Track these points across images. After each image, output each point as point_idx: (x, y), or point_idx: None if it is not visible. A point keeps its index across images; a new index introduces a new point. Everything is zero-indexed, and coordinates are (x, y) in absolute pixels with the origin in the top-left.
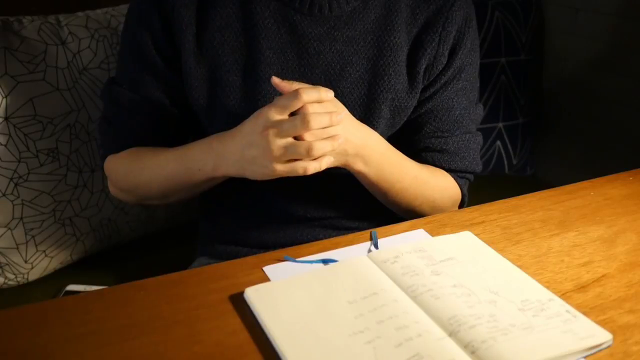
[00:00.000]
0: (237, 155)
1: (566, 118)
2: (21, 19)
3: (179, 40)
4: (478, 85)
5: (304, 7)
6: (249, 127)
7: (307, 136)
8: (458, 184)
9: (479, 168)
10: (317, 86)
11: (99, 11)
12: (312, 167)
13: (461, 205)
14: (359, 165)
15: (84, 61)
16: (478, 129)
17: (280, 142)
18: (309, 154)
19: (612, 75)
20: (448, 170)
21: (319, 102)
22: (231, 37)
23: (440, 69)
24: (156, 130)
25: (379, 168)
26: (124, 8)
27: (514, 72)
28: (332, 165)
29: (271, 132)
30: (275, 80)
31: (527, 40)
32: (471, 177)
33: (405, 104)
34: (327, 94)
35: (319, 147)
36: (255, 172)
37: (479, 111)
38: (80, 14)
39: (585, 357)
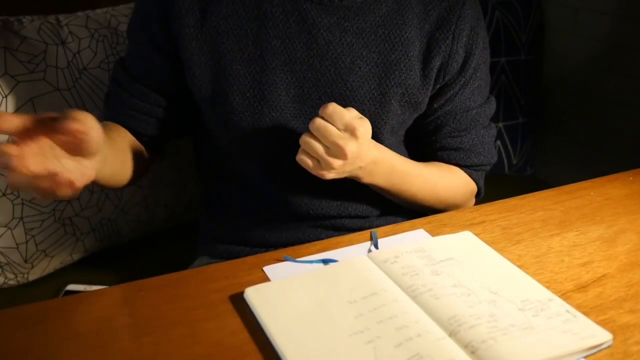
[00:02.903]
0: None
1: (566, 118)
2: (21, 18)
3: (177, 26)
4: (490, 79)
5: None
6: None
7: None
8: (473, 178)
9: (494, 159)
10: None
11: (99, 11)
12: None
13: (477, 196)
14: (367, 179)
15: (84, 61)
16: None
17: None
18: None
19: (612, 75)
20: (464, 166)
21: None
22: (237, 25)
23: (456, 67)
24: (141, 113)
25: (387, 179)
26: (124, 8)
27: (514, 72)
28: (339, 177)
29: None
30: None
31: (527, 40)
32: (487, 168)
33: (416, 99)
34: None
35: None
36: None
37: (492, 105)
38: (80, 13)
39: (585, 357)
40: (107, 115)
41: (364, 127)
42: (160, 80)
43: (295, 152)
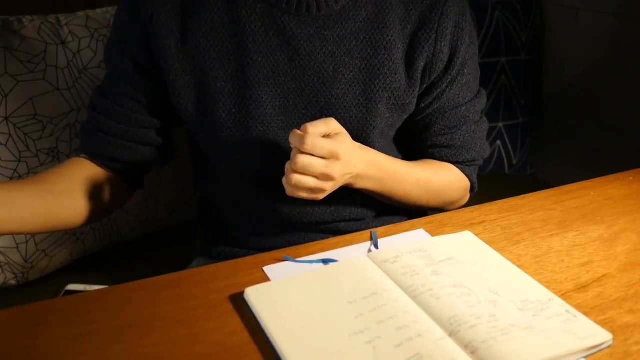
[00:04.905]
0: None
1: (566, 118)
2: (21, 18)
3: (158, 47)
4: (479, 73)
5: (292, 7)
6: None
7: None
8: (466, 173)
9: (486, 154)
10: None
11: (99, 11)
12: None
13: (472, 191)
14: (359, 184)
15: (84, 61)
16: None
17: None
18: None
19: (612, 75)
20: (455, 163)
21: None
22: (217, 43)
23: (441, 66)
24: (118, 138)
25: (379, 182)
26: None
27: (514, 72)
28: (334, 189)
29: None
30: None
31: (527, 40)
32: (480, 162)
33: (404, 101)
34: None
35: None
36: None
37: (483, 99)
38: (80, 13)
39: (585, 357)
40: (83, 145)
41: (344, 145)
42: (141, 100)
43: (284, 164)
